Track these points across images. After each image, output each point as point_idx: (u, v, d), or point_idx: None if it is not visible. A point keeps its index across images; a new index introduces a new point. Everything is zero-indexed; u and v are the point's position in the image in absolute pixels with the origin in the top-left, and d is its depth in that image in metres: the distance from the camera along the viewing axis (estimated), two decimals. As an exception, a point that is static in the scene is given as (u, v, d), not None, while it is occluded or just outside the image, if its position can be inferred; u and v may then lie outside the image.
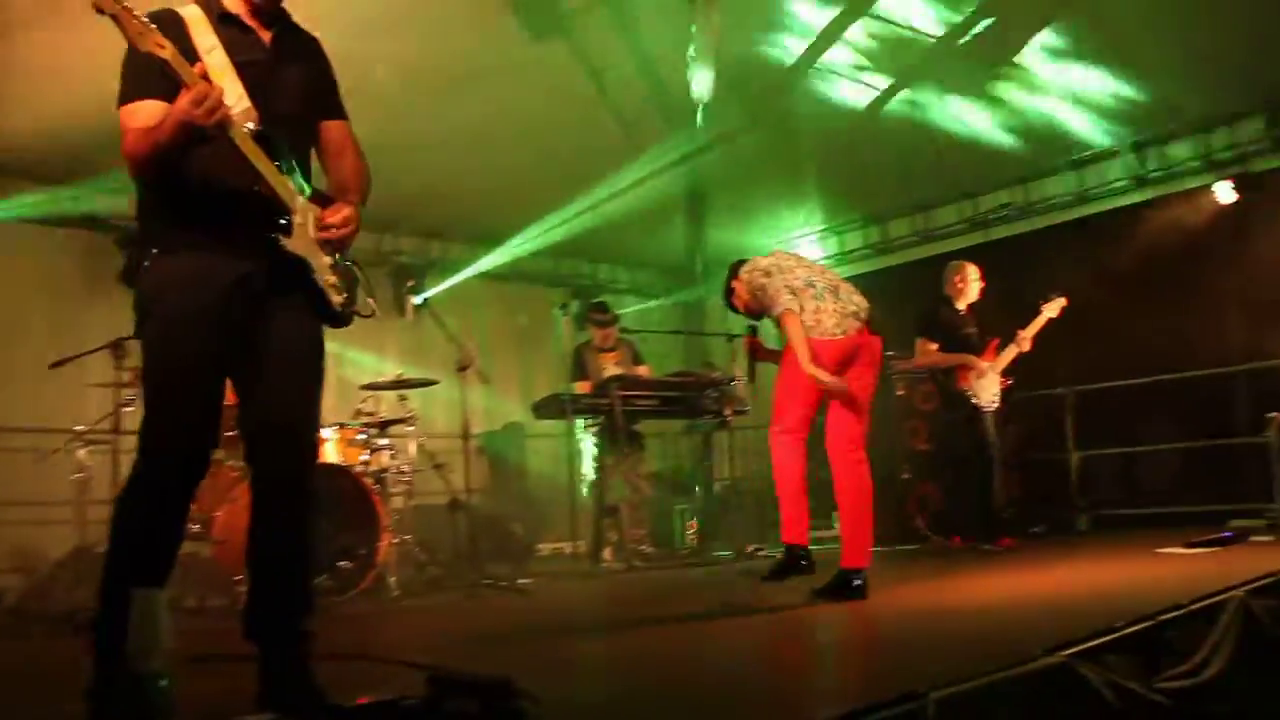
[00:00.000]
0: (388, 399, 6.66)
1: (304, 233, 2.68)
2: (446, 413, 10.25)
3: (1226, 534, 6.09)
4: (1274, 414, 6.81)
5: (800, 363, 4.53)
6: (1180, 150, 9.00)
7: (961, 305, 7.37)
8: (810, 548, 4.53)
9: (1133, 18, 8.06)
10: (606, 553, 7.46)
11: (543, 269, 11.61)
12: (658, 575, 6.59)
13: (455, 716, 2.18)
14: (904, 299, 7.93)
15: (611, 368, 7.94)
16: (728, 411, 7.41)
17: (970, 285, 7.36)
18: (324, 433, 5.81)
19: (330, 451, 5.76)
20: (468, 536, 6.04)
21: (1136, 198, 9.45)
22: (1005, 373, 7.21)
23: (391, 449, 6.13)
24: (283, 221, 2.63)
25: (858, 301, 4.69)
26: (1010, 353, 7.19)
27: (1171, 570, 4.80)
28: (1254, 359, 8.79)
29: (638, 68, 9.30)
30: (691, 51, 8.13)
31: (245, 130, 2.54)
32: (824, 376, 4.47)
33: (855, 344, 4.62)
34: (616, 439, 7.11)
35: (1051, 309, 7.31)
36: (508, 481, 10.06)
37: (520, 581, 6.01)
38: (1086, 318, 7.78)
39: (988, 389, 7.12)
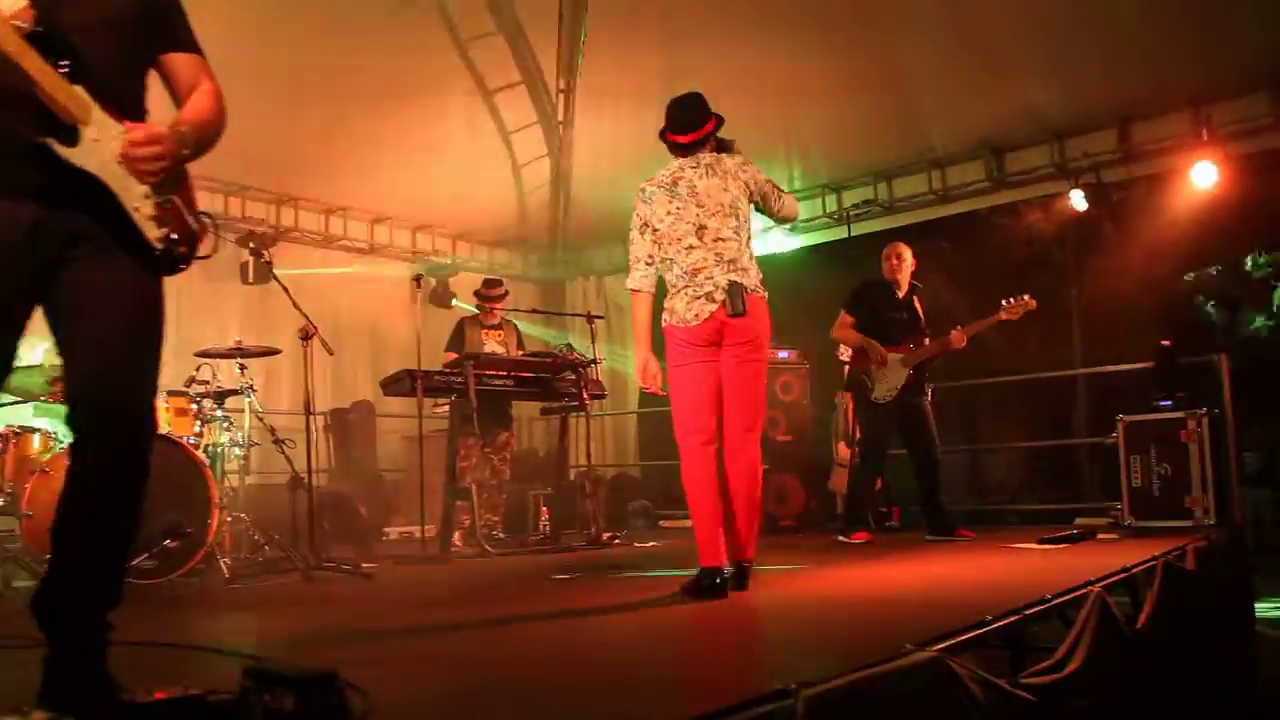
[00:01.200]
0: (227, 370, 6.24)
1: (100, 150, 2.25)
2: (292, 387, 9.84)
3: (1075, 531, 6.19)
4: (1122, 416, 6.92)
5: (637, 348, 4.37)
6: (1037, 156, 9.15)
7: (899, 287, 6.99)
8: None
9: (998, 24, 8.20)
10: (457, 537, 7.19)
11: (400, 243, 11.20)
12: (509, 562, 6.34)
13: (268, 713, 1.91)
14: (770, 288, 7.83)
15: (493, 345, 7.69)
16: (585, 395, 7.17)
17: (902, 264, 6.96)
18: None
19: (159, 421, 5.32)
20: (308, 517, 5.68)
21: (994, 200, 9.62)
22: (919, 368, 6.87)
23: (228, 422, 5.73)
24: (68, 131, 2.20)
25: (718, 281, 4.18)
26: (929, 349, 6.84)
27: (1028, 566, 4.82)
28: (1094, 364, 9.06)
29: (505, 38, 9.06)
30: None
31: (12, 27, 2.11)
32: (647, 382, 4.34)
33: (714, 328, 4.20)
34: (470, 418, 6.82)
35: (1011, 311, 6.82)
36: (356, 461, 9.65)
37: (364, 565, 5.70)
38: (938, 317, 7.80)
39: (886, 380, 6.80)
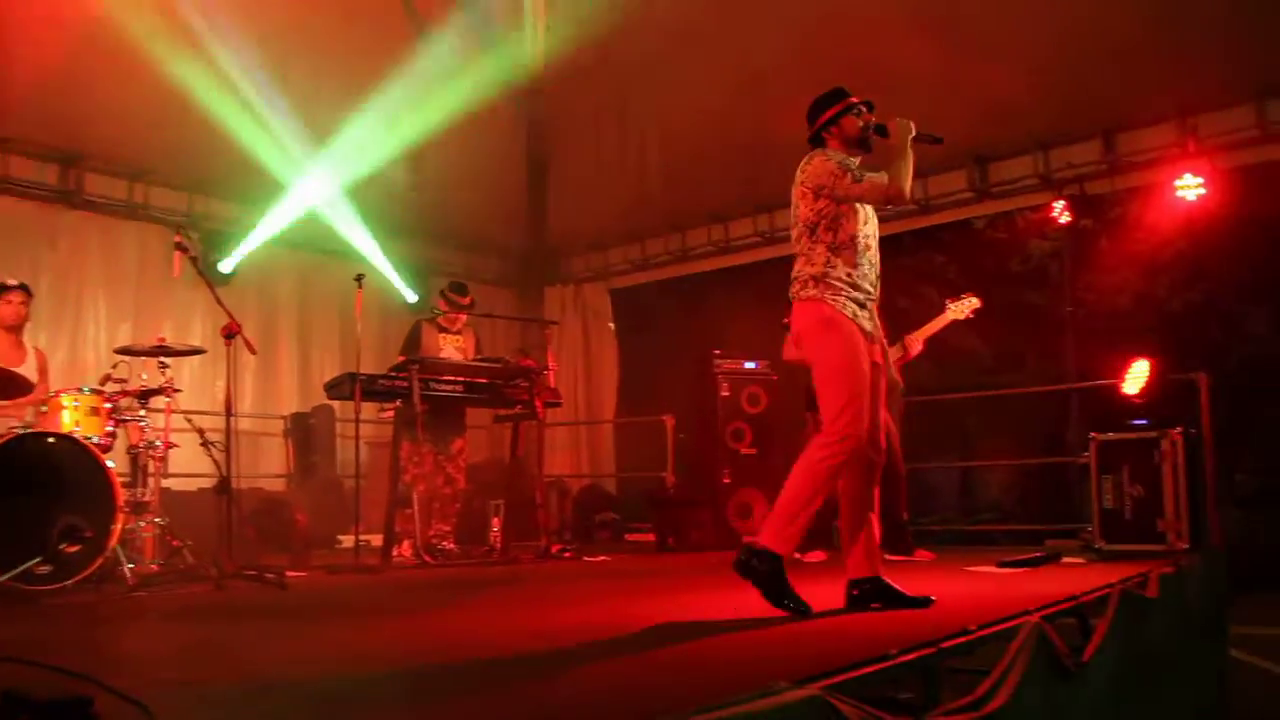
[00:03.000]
0: (187, 368, 5.98)
1: None
2: (252, 388, 9.64)
3: (1038, 554, 5.92)
4: (1094, 434, 6.64)
5: None
6: (1020, 167, 8.86)
7: None
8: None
9: (980, 28, 7.99)
10: (406, 546, 6.93)
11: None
12: (443, 574, 6.12)
13: (9, 740, 1.75)
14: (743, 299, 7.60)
15: (450, 350, 7.42)
16: (538, 403, 6.90)
17: None
18: (61, 399, 5.14)
19: (65, 420, 5.07)
20: (233, 523, 5.43)
21: (977, 211, 9.38)
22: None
23: (146, 423, 5.47)
24: None
25: None
26: (890, 357, 6.69)
27: (972, 592, 4.54)
28: (1087, 379, 8.81)
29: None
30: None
31: None
32: None
33: None
34: (414, 424, 6.57)
35: (958, 310, 6.66)
36: (315, 467, 9.39)
37: (288, 575, 5.45)
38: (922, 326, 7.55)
39: None
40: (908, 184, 4.02)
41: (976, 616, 3.41)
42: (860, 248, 4.05)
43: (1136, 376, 6.75)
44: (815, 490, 3.91)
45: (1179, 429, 6.31)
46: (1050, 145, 8.66)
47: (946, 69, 8.18)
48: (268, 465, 9.58)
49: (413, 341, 7.46)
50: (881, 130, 4.12)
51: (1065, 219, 8.69)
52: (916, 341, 6.60)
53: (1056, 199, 8.61)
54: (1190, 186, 7.81)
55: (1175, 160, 7.94)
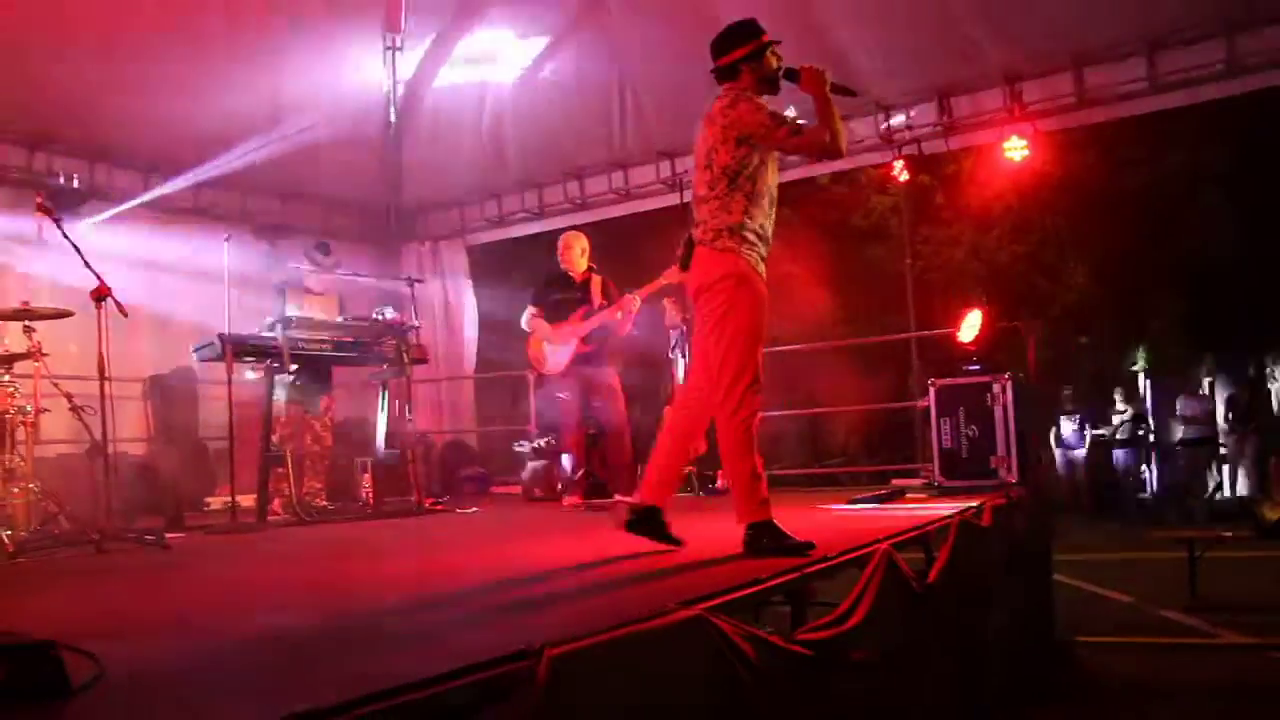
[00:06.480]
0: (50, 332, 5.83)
1: None
2: (119, 352, 9.36)
3: (886, 491, 6.39)
4: (933, 380, 7.15)
5: None
6: (861, 127, 9.24)
7: (574, 272, 7.31)
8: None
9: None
10: (277, 504, 6.99)
11: (227, 205, 10.69)
12: (320, 530, 6.24)
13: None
14: (603, 256, 7.82)
15: (318, 312, 7.45)
16: (405, 360, 7.05)
17: (568, 252, 7.32)
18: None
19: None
20: (109, 487, 5.43)
21: (820, 170, 9.79)
22: (593, 339, 7.16)
23: (14, 387, 5.41)
24: None
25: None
26: (596, 319, 7.09)
27: (830, 526, 4.93)
28: (926, 329, 9.32)
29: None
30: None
31: None
32: None
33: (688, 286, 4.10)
34: (285, 384, 6.64)
35: (673, 275, 6.95)
36: (177, 429, 9.27)
37: (167, 536, 5.49)
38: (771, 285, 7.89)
39: (552, 355, 7.17)
40: (844, 139, 3.97)
41: (836, 546, 3.78)
42: (770, 200, 4.00)
43: (971, 325, 7.26)
44: (749, 454, 3.96)
45: (1007, 374, 6.87)
46: (890, 106, 9.06)
47: (788, 33, 8.50)
48: (127, 429, 9.39)
49: (278, 303, 7.48)
50: (791, 76, 3.98)
51: (904, 177, 9.22)
52: (634, 300, 7.07)
53: (897, 158, 9.09)
54: (1016, 148, 8.38)
55: (1003, 123, 8.48)
